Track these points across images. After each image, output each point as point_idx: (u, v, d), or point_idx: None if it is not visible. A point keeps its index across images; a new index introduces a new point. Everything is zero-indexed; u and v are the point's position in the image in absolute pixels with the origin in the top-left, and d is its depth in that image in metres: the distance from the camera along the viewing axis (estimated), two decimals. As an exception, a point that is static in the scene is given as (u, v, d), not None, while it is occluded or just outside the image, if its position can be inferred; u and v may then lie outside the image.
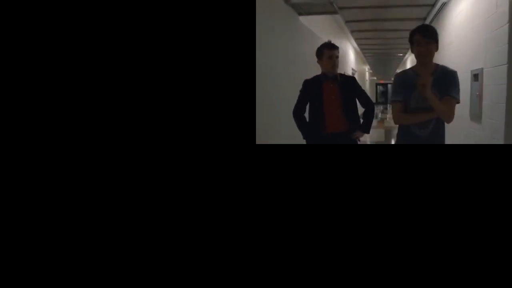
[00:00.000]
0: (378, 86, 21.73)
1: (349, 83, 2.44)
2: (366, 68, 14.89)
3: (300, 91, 2.46)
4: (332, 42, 2.44)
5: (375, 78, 20.10)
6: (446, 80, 1.75)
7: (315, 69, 2.47)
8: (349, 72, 8.95)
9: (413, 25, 2.12)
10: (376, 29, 6.51)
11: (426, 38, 1.73)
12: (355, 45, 9.16)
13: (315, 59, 2.41)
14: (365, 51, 10.35)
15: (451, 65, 1.93)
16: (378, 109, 15.42)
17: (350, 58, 9.98)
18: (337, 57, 2.35)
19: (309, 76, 2.46)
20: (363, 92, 2.48)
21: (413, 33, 1.79)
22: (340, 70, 2.46)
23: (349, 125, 2.37)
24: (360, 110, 2.50)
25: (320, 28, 5.25)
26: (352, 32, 6.87)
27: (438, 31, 1.86)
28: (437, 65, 1.81)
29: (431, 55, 1.76)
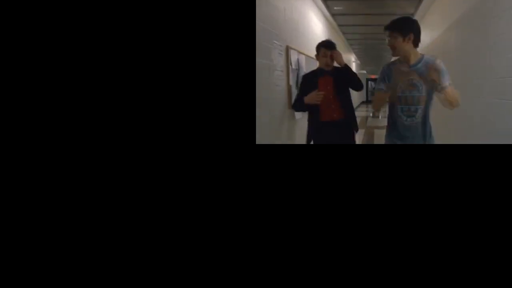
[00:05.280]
0: (369, 82, 18.28)
1: (343, 73, 2.55)
2: (352, 57, 12.51)
3: (300, 84, 2.75)
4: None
5: (365, 71, 17.78)
6: (436, 70, 1.76)
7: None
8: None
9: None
10: (365, 23, 6.45)
11: (388, 31, 1.86)
12: (327, 12, 5.29)
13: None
14: (351, 41, 9.48)
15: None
16: (370, 111, 13.23)
17: (316, 33, 4.60)
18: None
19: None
20: (354, 76, 2.59)
21: None
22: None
23: (344, 112, 2.54)
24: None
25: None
26: (339, 25, 6.74)
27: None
28: (422, 55, 1.84)
29: (396, 46, 1.83)
